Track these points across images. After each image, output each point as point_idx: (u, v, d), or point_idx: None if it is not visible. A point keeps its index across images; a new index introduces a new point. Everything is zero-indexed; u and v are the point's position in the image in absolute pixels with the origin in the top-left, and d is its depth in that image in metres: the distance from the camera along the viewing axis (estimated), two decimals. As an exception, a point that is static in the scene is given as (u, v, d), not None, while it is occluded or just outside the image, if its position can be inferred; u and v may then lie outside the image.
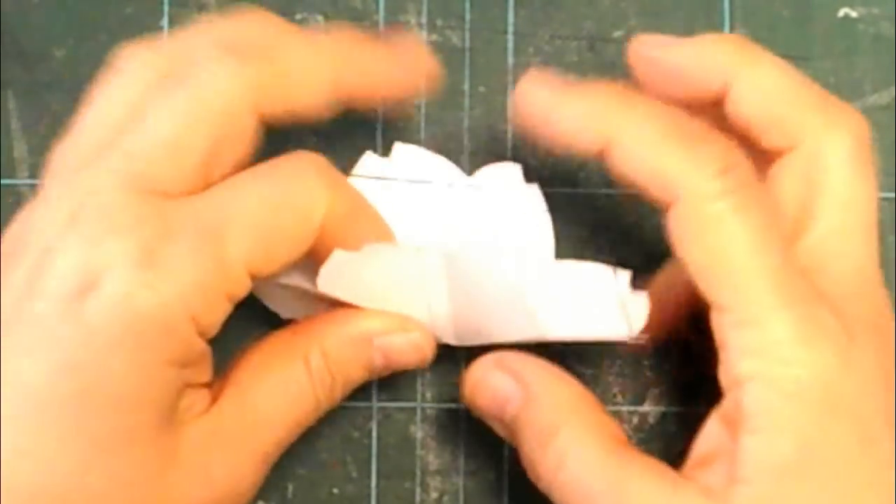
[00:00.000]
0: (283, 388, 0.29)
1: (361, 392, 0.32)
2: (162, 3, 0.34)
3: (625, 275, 0.29)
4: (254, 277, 0.27)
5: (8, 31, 0.34)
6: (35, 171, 0.34)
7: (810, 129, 0.28)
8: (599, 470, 0.27)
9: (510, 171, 0.33)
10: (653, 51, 0.29)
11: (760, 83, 0.28)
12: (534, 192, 0.33)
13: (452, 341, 0.31)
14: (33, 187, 0.34)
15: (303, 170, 0.28)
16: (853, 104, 0.34)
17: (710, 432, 0.27)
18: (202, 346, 0.27)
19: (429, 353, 0.31)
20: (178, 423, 0.27)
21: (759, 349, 0.26)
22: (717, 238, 0.26)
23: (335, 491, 0.33)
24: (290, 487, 0.33)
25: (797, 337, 0.26)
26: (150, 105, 0.27)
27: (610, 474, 0.27)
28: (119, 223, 0.26)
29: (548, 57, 0.34)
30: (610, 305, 0.29)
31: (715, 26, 0.34)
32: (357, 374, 0.30)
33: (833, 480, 0.25)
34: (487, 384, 0.29)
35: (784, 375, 0.26)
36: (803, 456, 0.25)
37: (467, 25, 0.34)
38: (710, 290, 0.26)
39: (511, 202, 0.33)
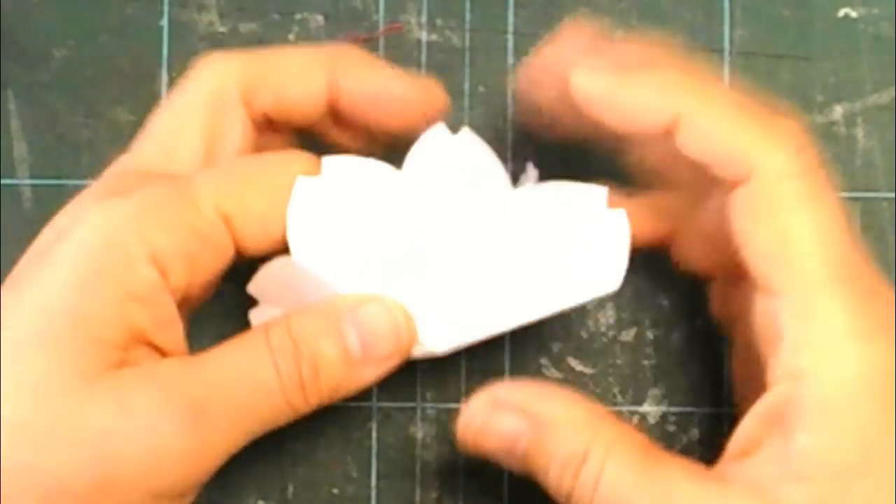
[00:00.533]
0: (237, 354, 0.27)
1: (361, 392, 0.32)
2: (162, 3, 0.34)
3: (601, 191, 0.29)
4: (228, 221, 0.27)
5: (8, 31, 0.34)
6: (35, 171, 0.34)
7: (756, 160, 0.26)
8: (639, 483, 0.26)
9: (593, 194, 0.29)
10: (597, 86, 0.27)
11: (707, 119, 0.26)
12: (619, 219, 0.29)
13: (431, 344, 0.29)
14: (33, 187, 0.34)
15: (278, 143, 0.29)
16: (853, 104, 0.34)
17: (750, 427, 0.27)
18: (157, 285, 0.26)
19: (407, 333, 0.28)
20: (111, 363, 0.26)
21: (821, 343, 0.25)
22: (789, 219, 0.26)
23: (335, 491, 0.33)
24: (290, 487, 0.33)
25: (860, 332, 0.25)
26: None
27: (651, 485, 0.26)
28: (102, 188, 0.28)
29: (548, 57, 0.34)
30: (590, 227, 0.28)
31: (715, 26, 0.34)
32: (330, 352, 0.28)
33: (891, 478, 0.25)
34: (490, 428, 0.28)
35: (846, 372, 0.25)
36: (864, 454, 0.25)
37: (467, 25, 0.34)
38: (773, 274, 0.26)
39: (589, 228, 0.29)
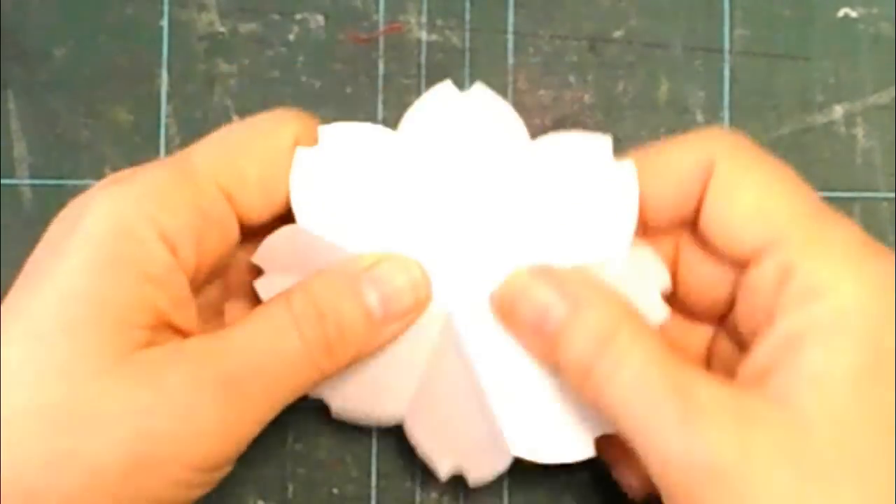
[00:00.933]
0: (262, 326, 0.28)
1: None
2: (162, 3, 0.34)
3: (606, 141, 0.29)
4: (229, 196, 0.28)
5: (8, 31, 0.34)
6: (35, 171, 0.34)
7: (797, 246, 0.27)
8: (661, 370, 0.26)
9: (597, 144, 0.29)
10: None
11: (740, 201, 0.28)
12: (627, 171, 0.29)
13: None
14: (33, 187, 0.34)
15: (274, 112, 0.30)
16: (853, 104, 0.34)
17: (762, 353, 0.26)
18: (171, 265, 0.27)
19: (425, 287, 0.29)
20: (137, 344, 0.26)
21: (829, 262, 0.26)
22: (749, 181, 0.27)
23: (335, 491, 0.33)
24: (290, 487, 0.33)
25: (864, 250, 0.26)
26: None
27: (673, 374, 0.26)
28: (107, 180, 0.28)
29: (548, 57, 0.34)
30: (598, 177, 0.29)
31: (715, 26, 0.34)
32: (352, 313, 0.28)
33: None
34: (527, 296, 0.28)
35: (856, 285, 0.26)
36: (878, 360, 0.25)
37: (467, 25, 0.34)
38: (764, 229, 0.27)
39: (594, 179, 0.29)
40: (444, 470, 0.30)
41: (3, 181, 0.34)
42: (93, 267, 0.26)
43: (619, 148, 0.30)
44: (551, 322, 0.28)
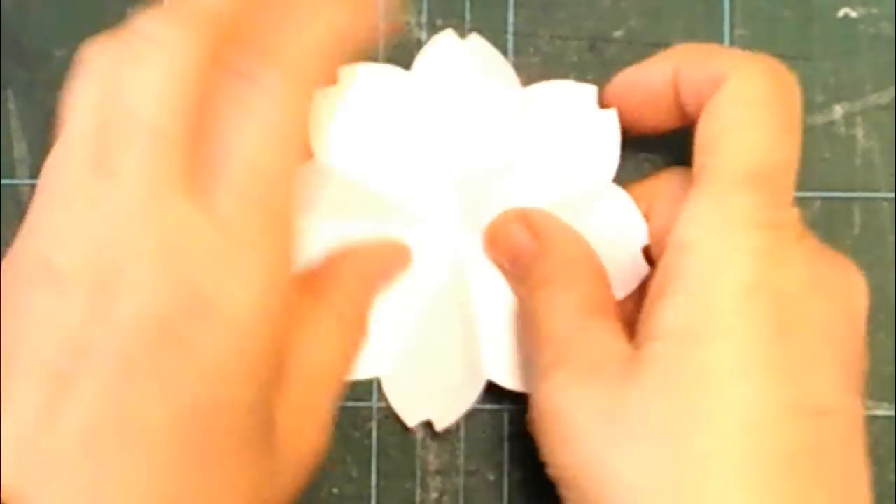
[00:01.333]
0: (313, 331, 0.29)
1: (361, 392, 0.32)
2: (162, 3, 0.34)
3: (592, 89, 0.32)
4: None
5: (8, 31, 0.34)
6: (35, 171, 0.34)
7: (728, 68, 0.29)
8: (571, 319, 0.29)
9: (582, 92, 0.32)
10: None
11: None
12: (611, 117, 0.32)
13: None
14: (33, 187, 0.34)
15: None
16: (853, 104, 0.34)
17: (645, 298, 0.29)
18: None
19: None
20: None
21: (707, 222, 0.27)
22: (730, 115, 0.28)
23: (335, 491, 0.33)
24: (290, 487, 0.33)
25: (750, 222, 0.27)
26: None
27: (578, 322, 0.29)
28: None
29: (548, 57, 0.34)
30: (583, 126, 0.32)
31: (715, 26, 0.34)
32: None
33: (733, 352, 0.26)
34: (506, 233, 0.32)
35: (721, 249, 0.27)
36: (710, 323, 0.27)
37: (467, 25, 0.34)
38: (698, 165, 0.28)
39: (579, 125, 0.32)
40: (413, 420, 0.33)
41: (3, 181, 0.34)
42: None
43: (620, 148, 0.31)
44: (522, 261, 0.31)
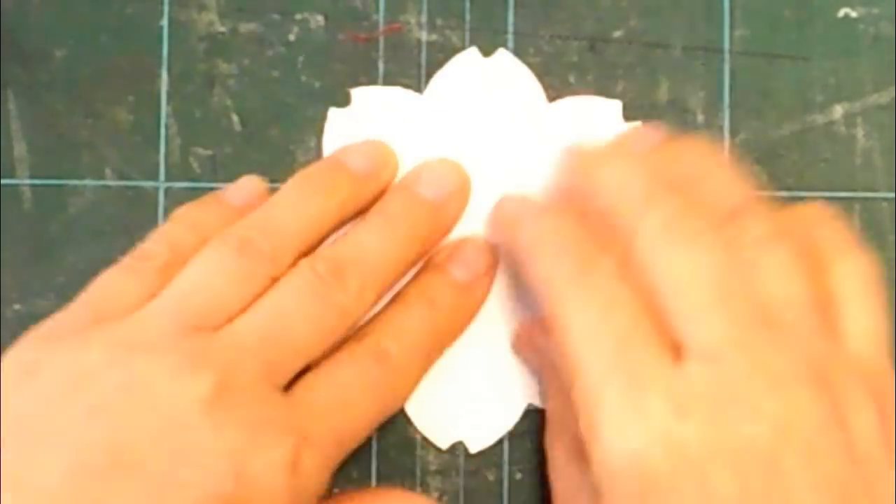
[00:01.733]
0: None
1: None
2: (162, 3, 0.34)
3: (616, 104, 0.33)
4: None
5: (8, 31, 0.34)
6: (35, 171, 0.34)
7: None
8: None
9: (607, 106, 0.33)
10: None
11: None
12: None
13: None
14: (33, 187, 0.34)
15: None
16: (853, 104, 0.34)
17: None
18: None
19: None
20: None
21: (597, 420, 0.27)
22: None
23: (335, 491, 0.33)
24: (290, 487, 0.33)
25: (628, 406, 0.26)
26: None
27: None
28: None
29: (548, 57, 0.34)
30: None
31: (715, 26, 0.34)
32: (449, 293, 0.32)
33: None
34: (499, 207, 0.32)
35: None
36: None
37: (467, 25, 0.34)
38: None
39: (605, 140, 0.32)
40: (445, 443, 0.33)
41: (3, 181, 0.34)
42: None
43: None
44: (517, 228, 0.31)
